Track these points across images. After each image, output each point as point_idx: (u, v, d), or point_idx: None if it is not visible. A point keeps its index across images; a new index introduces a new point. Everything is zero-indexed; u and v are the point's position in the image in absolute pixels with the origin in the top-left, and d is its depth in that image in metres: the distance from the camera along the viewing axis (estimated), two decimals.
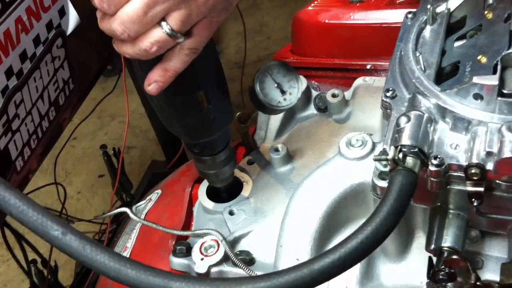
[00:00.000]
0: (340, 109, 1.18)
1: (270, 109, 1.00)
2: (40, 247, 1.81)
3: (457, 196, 0.77)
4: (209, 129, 1.00)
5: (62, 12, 1.24)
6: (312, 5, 1.35)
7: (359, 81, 1.23)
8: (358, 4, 1.31)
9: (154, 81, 0.84)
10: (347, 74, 1.29)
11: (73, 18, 1.25)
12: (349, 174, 0.96)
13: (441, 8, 0.89)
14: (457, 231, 0.78)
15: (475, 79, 0.72)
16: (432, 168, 0.72)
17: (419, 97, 0.78)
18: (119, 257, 0.69)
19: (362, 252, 0.65)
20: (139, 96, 2.26)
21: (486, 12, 0.83)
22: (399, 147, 0.71)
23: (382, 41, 1.26)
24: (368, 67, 1.25)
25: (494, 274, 0.84)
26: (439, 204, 0.80)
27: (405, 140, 0.73)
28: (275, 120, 1.23)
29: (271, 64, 1.00)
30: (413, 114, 0.75)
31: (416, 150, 0.72)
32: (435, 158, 0.72)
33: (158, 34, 0.78)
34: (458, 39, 0.86)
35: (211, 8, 0.79)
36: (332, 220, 0.97)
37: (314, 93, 1.24)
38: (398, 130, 0.75)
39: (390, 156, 0.71)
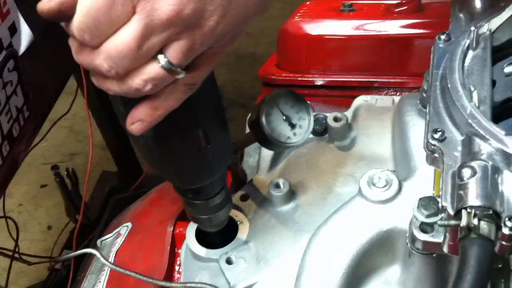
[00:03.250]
0: (344, 135, 1.05)
1: (278, 146, 0.86)
2: None
3: None
4: (207, 172, 0.85)
5: (13, 29, 1.04)
6: (298, 14, 1.21)
7: (359, 100, 1.10)
8: (351, 14, 1.18)
9: (139, 120, 0.69)
10: (343, 92, 1.16)
11: (25, 35, 1.06)
12: (374, 220, 0.83)
13: (482, 30, 0.76)
14: None
15: None
16: (506, 231, 0.60)
17: (477, 140, 0.66)
18: None
19: None
20: (84, 98, 2.04)
21: None
22: (472, 210, 0.59)
23: (382, 54, 1.14)
24: (370, 84, 1.12)
25: None
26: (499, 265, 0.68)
27: (475, 199, 0.60)
28: None
29: (277, 93, 0.86)
30: (477, 164, 0.63)
31: (491, 212, 0.59)
32: (510, 219, 0.60)
33: (154, 69, 0.62)
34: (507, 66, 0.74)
35: (218, 37, 0.64)
36: (356, 274, 0.84)
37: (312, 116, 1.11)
38: (462, 186, 0.62)
39: (463, 223, 0.59)
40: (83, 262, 1.47)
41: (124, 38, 0.59)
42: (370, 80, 1.15)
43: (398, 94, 1.15)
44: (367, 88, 1.15)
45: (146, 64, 0.62)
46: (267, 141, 0.85)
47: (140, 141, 0.80)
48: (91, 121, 2.30)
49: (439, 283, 0.82)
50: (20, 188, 2.96)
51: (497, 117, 0.70)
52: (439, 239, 0.70)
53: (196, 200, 0.91)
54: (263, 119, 0.84)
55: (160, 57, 0.62)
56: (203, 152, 0.81)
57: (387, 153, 1.01)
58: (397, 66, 1.13)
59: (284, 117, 0.85)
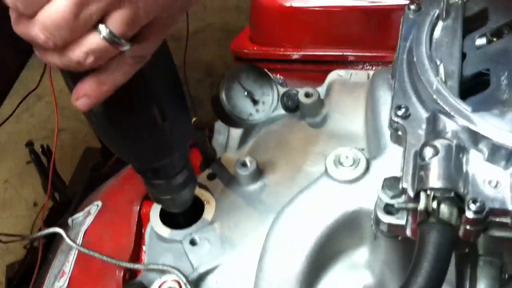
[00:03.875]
0: (316, 111, 1.00)
1: (240, 123, 0.81)
2: None
3: (493, 242, 0.61)
4: (164, 151, 0.81)
5: None
6: None
7: (333, 75, 1.05)
8: None
9: (85, 95, 0.64)
10: (318, 67, 1.11)
11: None
12: (340, 201, 0.79)
13: None
14: (492, 283, 0.63)
15: None
16: (470, 215, 0.56)
17: (443, 118, 0.62)
18: None
19: None
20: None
21: None
22: (432, 192, 0.54)
23: (359, 27, 1.09)
24: (345, 58, 1.07)
25: None
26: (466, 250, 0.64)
27: (436, 181, 0.56)
28: None
29: (238, 68, 0.81)
30: (440, 143, 0.58)
31: (452, 194, 0.55)
32: (474, 201, 0.56)
33: (95, 40, 0.58)
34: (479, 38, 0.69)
35: (164, 6, 0.60)
36: (321, 256, 0.80)
37: (281, 89, 1.05)
38: (424, 166, 0.58)
39: (421, 206, 0.54)
40: (55, 240, 1.44)
41: (58, 6, 0.55)
42: (346, 54, 1.09)
43: (375, 69, 1.10)
44: (343, 63, 1.10)
45: (86, 35, 0.58)
46: (228, 118, 0.81)
47: (92, 118, 0.76)
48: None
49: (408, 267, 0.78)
50: (6, 164, 2.92)
51: (466, 92, 0.65)
52: (403, 221, 0.66)
53: (156, 179, 0.87)
54: (223, 95, 0.79)
55: (101, 27, 0.57)
56: (159, 130, 0.76)
57: (360, 131, 0.97)
58: (374, 39, 1.08)
59: (246, 93, 0.80)
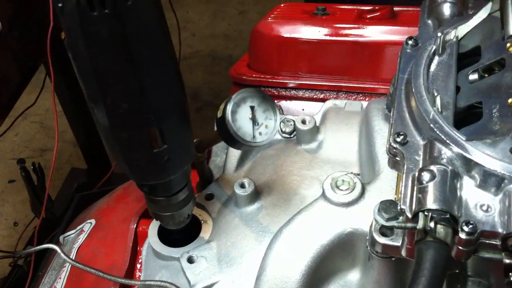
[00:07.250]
0: (311, 138, 1.04)
1: (243, 145, 0.85)
2: None
3: (481, 263, 0.66)
4: (161, 172, 0.82)
5: None
6: (272, 16, 1.21)
7: (328, 104, 1.10)
8: (324, 18, 1.18)
9: None
10: (313, 95, 1.16)
11: None
12: (336, 223, 0.83)
13: (449, 36, 0.77)
14: None
15: None
16: (463, 236, 0.60)
17: (439, 145, 0.66)
18: None
19: None
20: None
21: (508, 44, 0.72)
22: (429, 213, 0.59)
23: (353, 59, 1.14)
24: (339, 88, 1.12)
25: None
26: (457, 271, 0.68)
27: (433, 203, 0.60)
28: None
29: (244, 92, 0.85)
30: (437, 169, 0.63)
31: (448, 216, 0.59)
32: (467, 224, 0.60)
33: None
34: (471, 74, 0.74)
35: None
36: (316, 276, 0.84)
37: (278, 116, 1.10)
38: (421, 189, 0.62)
39: (420, 225, 0.58)
40: (45, 258, 1.45)
41: None
42: (340, 84, 1.14)
43: (367, 99, 1.15)
44: (337, 92, 1.15)
45: None
46: (232, 139, 0.84)
47: (101, 128, 0.78)
48: (64, 118, 2.27)
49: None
50: None
51: (460, 123, 0.70)
52: (398, 242, 0.70)
53: (155, 196, 0.89)
54: (229, 117, 0.83)
55: None
56: (158, 151, 0.78)
57: (353, 157, 1.01)
58: (367, 72, 1.13)
59: (250, 116, 0.84)
